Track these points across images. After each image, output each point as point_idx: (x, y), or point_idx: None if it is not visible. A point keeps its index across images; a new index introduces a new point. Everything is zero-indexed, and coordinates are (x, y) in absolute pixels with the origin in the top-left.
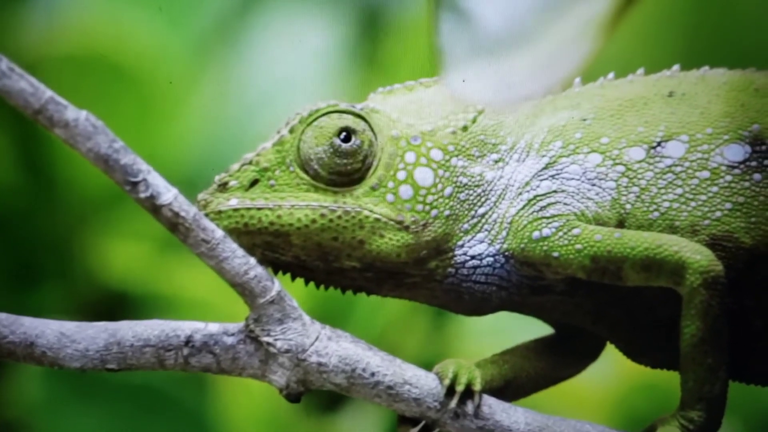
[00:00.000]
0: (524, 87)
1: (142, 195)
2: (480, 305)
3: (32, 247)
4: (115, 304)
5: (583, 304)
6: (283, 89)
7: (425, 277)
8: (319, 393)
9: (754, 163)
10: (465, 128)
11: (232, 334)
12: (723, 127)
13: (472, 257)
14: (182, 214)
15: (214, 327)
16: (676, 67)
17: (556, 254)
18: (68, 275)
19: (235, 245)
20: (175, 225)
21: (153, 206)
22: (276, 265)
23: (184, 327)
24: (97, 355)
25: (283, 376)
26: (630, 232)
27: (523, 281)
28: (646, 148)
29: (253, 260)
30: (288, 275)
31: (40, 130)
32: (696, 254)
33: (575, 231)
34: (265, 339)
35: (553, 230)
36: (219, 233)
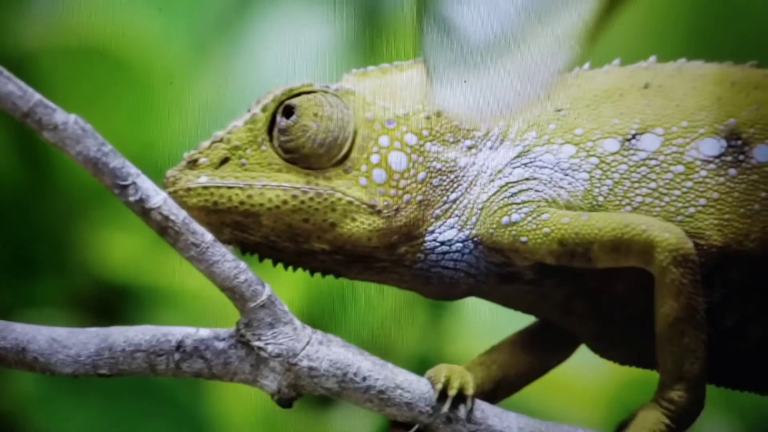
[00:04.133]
0: (507, 98)
1: (132, 198)
2: (447, 290)
3: (28, 239)
4: (112, 297)
5: (551, 295)
6: None
7: (394, 262)
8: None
9: (729, 158)
10: (439, 113)
11: (223, 339)
12: (699, 121)
13: (442, 243)
14: (171, 217)
15: (205, 332)
16: (652, 58)
17: (524, 239)
18: (64, 268)
19: (224, 249)
20: (164, 228)
21: (142, 210)
22: (245, 245)
23: (175, 332)
24: (88, 361)
25: (275, 380)
26: (598, 214)
27: (491, 268)
28: (620, 140)
29: (243, 264)
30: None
31: None
32: (664, 232)
33: (544, 216)
34: (256, 343)
35: (523, 215)
36: (209, 237)
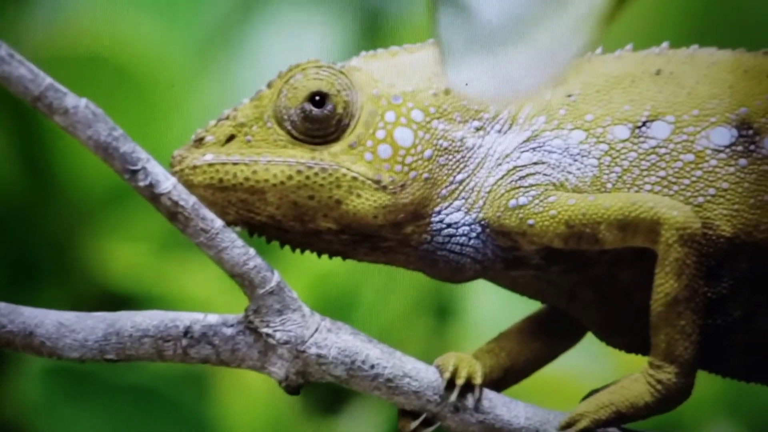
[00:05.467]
0: (522, 81)
1: (141, 183)
2: (454, 274)
3: (31, 246)
4: (114, 304)
5: (558, 282)
6: None
7: (400, 242)
8: (320, 394)
9: (740, 148)
10: (447, 91)
11: (232, 325)
12: (710, 109)
13: (448, 225)
14: (181, 203)
15: (213, 318)
16: (665, 44)
17: (531, 222)
18: (67, 275)
19: (234, 235)
20: (174, 214)
21: (152, 195)
22: (251, 226)
23: (183, 317)
24: (95, 346)
25: (283, 367)
26: (604, 195)
27: (498, 253)
28: (631, 127)
29: (252, 251)
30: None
31: (40, 130)
32: (672, 210)
33: (551, 198)
34: (265, 330)
35: (530, 198)
36: (218, 223)
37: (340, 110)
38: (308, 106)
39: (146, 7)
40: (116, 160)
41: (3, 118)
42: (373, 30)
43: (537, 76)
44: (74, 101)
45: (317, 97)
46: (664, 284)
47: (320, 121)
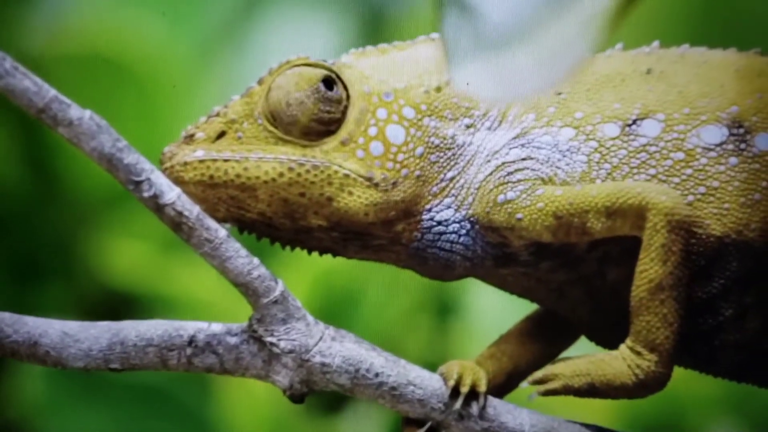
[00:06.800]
0: (527, 82)
1: (146, 194)
2: (444, 272)
3: (35, 246)
4: (118, 304)
5: (547, 280)
6: None
7: (391, 240)
8: (322, 395)
9: (730, 147)
10: (438, 89)
11: (236, 334)
12: (701, 108)
13: (439, 223)
14: (185, 213)
15: (217, 327)
16: (655, 43)
17: (519, 216)
18: (71, 275)
19: (238, 244)
20: (178, 224)
21: (156, 205)
22: (242, 223)
23: (188, 327)
24: (100, 355)
25: (287, 376)
26: (591, 184)
27: (487, 250)
28: (621, 125)
29: (256, 260)
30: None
31: (43, 130)
32: (661, 195)
33: (539, 191)
34: (269, 339)
35: (518, 193)
36: (222, 233)
37: (346, 109)
38: (323, 87)
39: (148, 6)
40: (120, 171)
41: (6, 120)
42: (377, 30)
43: (543, 77)
44: (78, 113)
45: (328, 81)
46: (649, 270)
47: (333, 103)
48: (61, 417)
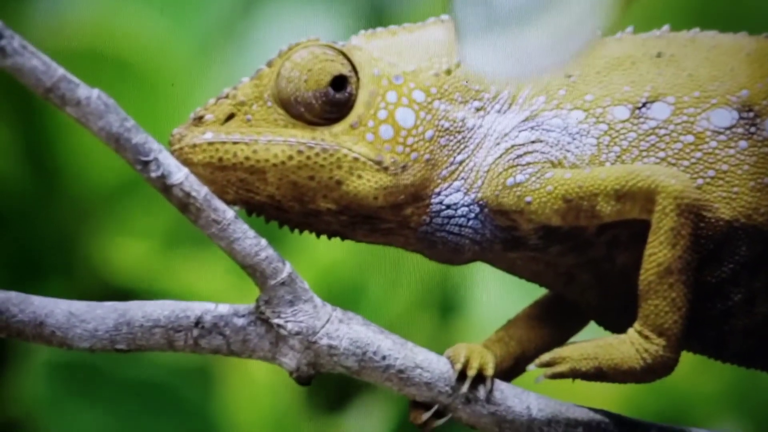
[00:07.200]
0: (538, 61)
1: (153, 174)
2: (453, 255)
3: (36, 243)
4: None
5: (555, 264)
6: None
7: (400, 224)
8: (326, 389)
9: (740, 130)
10: (449, 71)
11: (243, 316)
12: (711, 91)
13: (448, 206)
14: (193, 194)
15: (224, 308)
16: (666, 27)
17: (528, 199)
18: (72, 271)
19: (246, 226)
20: (185, 205)
21: (164, 186)
22: (250, 206)
23: (195, 307)
24: (106, 336)
25: (294, 358)
26: (600, 167)
27: (496, 233)
28: (630, 108)
29: (264, 241)
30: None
31: (45, 126)
32: (671, 178)
33: (547, 175)
34: (276, 321)
35: (527, 176)
36: (230, 213)
37: (356, 92)
38: (332, 92)
39: (148, 3)
40: (128, 151)
41: (8, 115)
42: (379, 25)
43: (554, 57)
44: (86, 92)
45: (337, 82)
46: (658, 253)
47: (341, 105)
48: (63, 414)
